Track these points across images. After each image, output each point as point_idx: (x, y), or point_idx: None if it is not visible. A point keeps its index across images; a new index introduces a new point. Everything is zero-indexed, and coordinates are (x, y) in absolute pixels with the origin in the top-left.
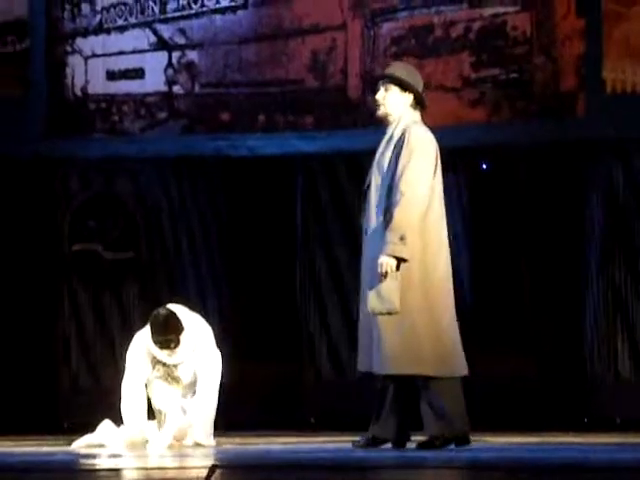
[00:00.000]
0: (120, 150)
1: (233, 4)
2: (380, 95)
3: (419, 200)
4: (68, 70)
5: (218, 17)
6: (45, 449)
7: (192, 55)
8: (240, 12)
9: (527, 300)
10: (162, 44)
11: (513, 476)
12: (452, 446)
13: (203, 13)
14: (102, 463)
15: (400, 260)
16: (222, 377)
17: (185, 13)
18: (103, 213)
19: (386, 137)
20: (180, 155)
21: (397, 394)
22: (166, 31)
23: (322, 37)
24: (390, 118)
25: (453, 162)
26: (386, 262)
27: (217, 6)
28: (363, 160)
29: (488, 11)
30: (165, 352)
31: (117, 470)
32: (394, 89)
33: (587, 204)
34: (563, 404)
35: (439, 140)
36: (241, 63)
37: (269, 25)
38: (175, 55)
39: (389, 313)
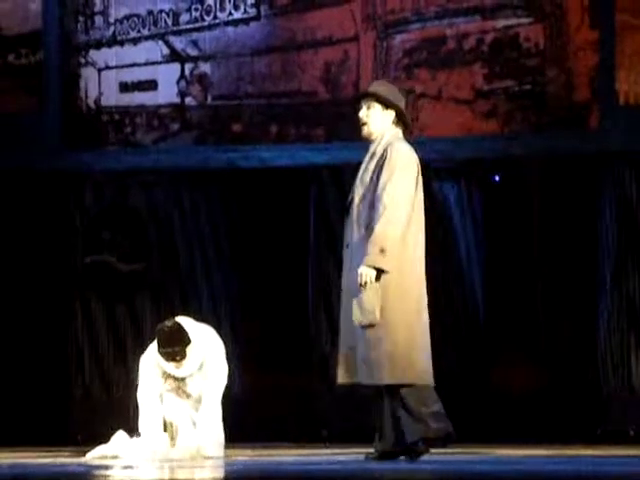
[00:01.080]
0: (133, 162)
1: (246, 16)
2: (363, 113)
3: (400, 215)
4: (82, 82)
5: (231, 29)
6: (58, 460)
7: (205, 67)
8: (253, 24)
9: (540, 312)
10: (175, 56)
11: None
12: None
13: (216, 25)
14: (115, 474)
15: (379, 271)
16: (232, 389)
17: (198, 25)
18: (116, 225)
19: (369, 153)
20: (192, 166)
21: (389, 405)
22: (179, 43)
23: (335, 49)
24: (373, 136)
25: (466, 173)
26: (366, 273)
27: (230, 18)
28: None
29: (501, 23)
30: (172, 364)
31: None
32: (376, 107)
33: (601, 215)
34: (576, 416)
35: (452, 152)
36: (253, 75)
37: (282, 37)
38: (188, 67)
39: (371, 324)
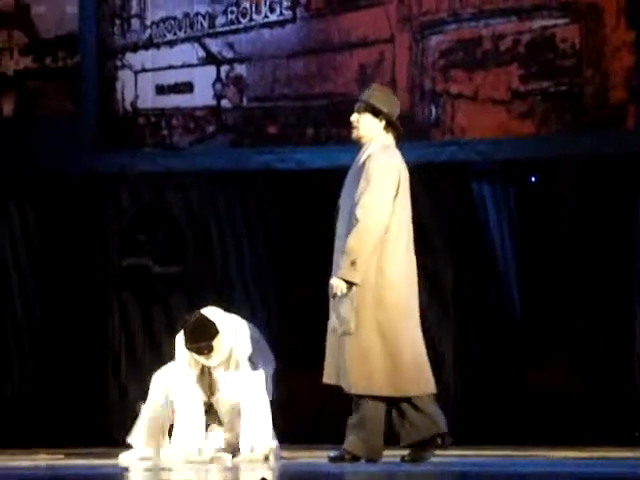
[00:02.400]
0: (169, 164)
1: (281, 18)
2: (354, 118)
3: (374, 226)
4: (118, 85)
5: (266, 31)
6: (95, 462)
7: (240, 69)
8: (288, 26)
9: (576, 313)
10: (211, 58)
11: None
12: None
13: (251, 27)
14: (151, 477)
15: (350, 284)
16: (271, 390)
17: (233, 27)
18: (153, 227)
19: (357, 159)
20: (228, 168)
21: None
22: (215, 45)
23: (370, 50)
24: (363, 140)
25: (502, 175)
26: (336, 284)
27: (265, 20)
28: (411, 172)
29: (537, 23)
30: (202, 357)
31: None
32: (367, 113)
33: (637, 216)
34: (613, 419)
35: (488, 153)
36: (289, 77)
37: (317, 39)
38: (223, 69)
39: (346, 333)
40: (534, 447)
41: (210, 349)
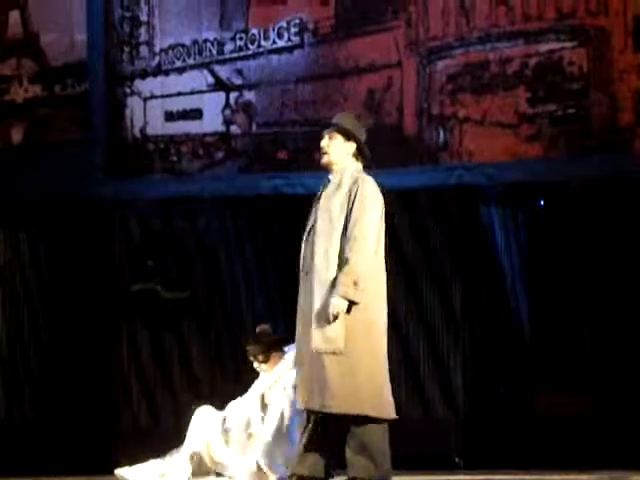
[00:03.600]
0: (179, 190)
1: (290, 44)
2: (324, 143)
3: (369, 248)
4: (127, 111)
5: (275, 57)
6: None
7: (249, 95)
8: (296, 52)
9: (586, 337)
10: (220, 85)
11: None
12: None
13: (260, 54)
14: None
15: (351, 303)
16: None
17: (242, 54)
18: (161, 252)
19: (333, 183)
20: (237, 194)
21: (328, 432)
22: (223, 72)
23: (378, 75)
24: (334, 166)
25: (510, 198)
26: (338, 304)
27: (274, 46)
28: (419, 197)
29: (544, 47)
30: (255, 363)
31: None
32: (338, 138)
33: None
34: (622, 443)
35: (496, 176)
36: (297, 102)
37: (325, 64)
38: (233, 95)
39: (334, 353)
40: (543, 471)
41: (259, 359)
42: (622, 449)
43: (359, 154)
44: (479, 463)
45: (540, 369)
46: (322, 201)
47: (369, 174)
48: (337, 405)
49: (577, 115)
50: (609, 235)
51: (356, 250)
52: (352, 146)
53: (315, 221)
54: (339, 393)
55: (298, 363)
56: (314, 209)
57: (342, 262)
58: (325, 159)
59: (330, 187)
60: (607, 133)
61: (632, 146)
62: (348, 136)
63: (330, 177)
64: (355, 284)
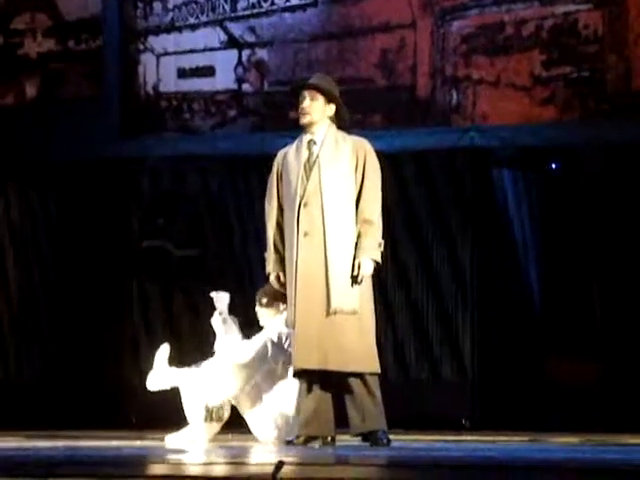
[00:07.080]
0: (190, 148)
1: (303, 2)
2: (306, 104)
3: (380, 210)
4: (140, 68)
5: (288, 15)
6: (114, 443)
7: (262, 53)
8: (310, 10)
9: (597, 304)
10: (232, 42)
11: (584, 477)
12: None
13: (273, 11)
14: (169, 457)
15: (376, 264)
16: None
17: (255, 11)
18: (172, 211)
19: (329, 144)
20: (249, 153)
21: (329, 392)
22: (236, 29)
23: (391, 35)
24: (314, 126)
25: (523, 161)
26: (368, 266)
27: (287, 4)
28: (431, 159)
29: (560, 9)
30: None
31: (182, 464)
32: (320, 99)
33: None
34: (630, 409)
35: (510, 139)
36: (310, 61)
37: (339, 23)
38: (245, 53)
39: (353, 313)
40: (551, 434)
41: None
42: (631, 415)
43: (335, 115)
44: (486, 424)
45: (551, 334)
46: (322, 163)
47: (350, 134)
48: (357, 364)
49: (592, 78)
50: (623, 199)
51: (374, 210)
52: (332, 108)
53: (320, 183)
54: (358, 352)
55: (299, 324)
56: (302, 170)
57: (362, 223)
58: (307, 119)
59: (325, 149)
60: (622, 96)
61: None
62: (330, 98)
63: (306, 137)
64: (380, 245)
